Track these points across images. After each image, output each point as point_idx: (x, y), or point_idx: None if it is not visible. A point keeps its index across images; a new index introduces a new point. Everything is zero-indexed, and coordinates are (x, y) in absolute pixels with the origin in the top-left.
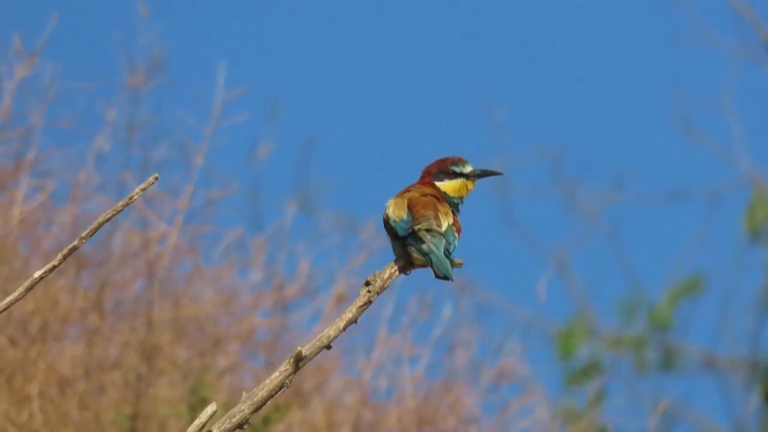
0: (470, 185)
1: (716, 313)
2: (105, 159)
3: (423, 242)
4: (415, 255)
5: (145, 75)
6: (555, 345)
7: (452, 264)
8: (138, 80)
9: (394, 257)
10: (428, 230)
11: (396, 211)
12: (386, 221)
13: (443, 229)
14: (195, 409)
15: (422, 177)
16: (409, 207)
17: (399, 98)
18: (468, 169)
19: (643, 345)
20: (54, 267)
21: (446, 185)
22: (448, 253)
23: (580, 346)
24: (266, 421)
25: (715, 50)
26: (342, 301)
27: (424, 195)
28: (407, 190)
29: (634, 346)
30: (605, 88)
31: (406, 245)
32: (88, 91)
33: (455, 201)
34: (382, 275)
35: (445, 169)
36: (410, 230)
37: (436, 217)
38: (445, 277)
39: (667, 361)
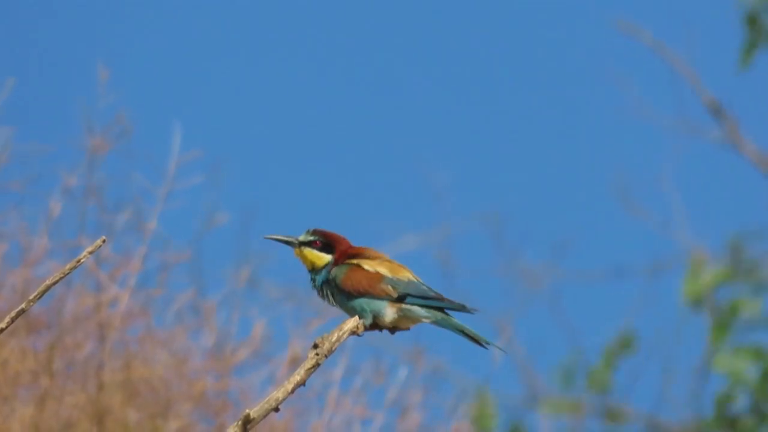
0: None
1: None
2: (59, 222)
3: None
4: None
5: (104, 139)
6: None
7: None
8: (97, 144)
9: (345, 319)
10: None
11: (396, 271)
12: (377, 282)
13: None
14: None
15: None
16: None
17: (340, 167)
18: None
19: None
20: (1, 330)
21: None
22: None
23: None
24: None
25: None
26: (295, 364)
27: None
28: (371, 256)
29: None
30: (547, 158)
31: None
32: (41, 154)
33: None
34: (330, 338)
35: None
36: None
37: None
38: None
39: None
